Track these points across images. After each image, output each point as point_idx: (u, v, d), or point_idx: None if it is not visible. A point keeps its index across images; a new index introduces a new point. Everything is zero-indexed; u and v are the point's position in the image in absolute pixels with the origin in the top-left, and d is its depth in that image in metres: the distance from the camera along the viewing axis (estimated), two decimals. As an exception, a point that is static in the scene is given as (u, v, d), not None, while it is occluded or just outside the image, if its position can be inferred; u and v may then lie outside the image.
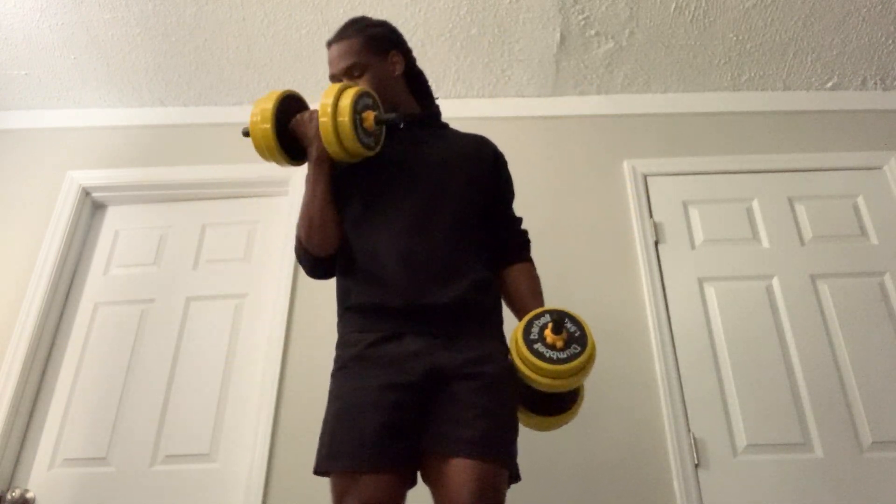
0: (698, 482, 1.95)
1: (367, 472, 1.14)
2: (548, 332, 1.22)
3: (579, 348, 1.21)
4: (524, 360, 1.22)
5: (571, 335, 1.22)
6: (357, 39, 1.47)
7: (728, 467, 1.99)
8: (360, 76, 1.45)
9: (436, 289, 1.27)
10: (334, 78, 1.48)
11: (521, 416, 1.30)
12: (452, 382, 1.21)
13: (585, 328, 1.24)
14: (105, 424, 2.16)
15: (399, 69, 1.51)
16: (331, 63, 1.48)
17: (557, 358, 1.20)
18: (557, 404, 1.30)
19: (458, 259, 1.32)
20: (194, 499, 2.03)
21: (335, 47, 1.48)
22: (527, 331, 1.24)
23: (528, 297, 1.41)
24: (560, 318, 1.22)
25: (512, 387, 1.25)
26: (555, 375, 1.20)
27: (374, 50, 1.47)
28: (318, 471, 1.20)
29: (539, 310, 1.29)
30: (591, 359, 1.21)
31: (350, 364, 1.27)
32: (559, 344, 1.20)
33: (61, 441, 2.15)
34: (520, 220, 1.55)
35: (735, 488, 1.95)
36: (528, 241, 1.53)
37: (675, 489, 1.93)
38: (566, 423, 1.32)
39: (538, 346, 1.22)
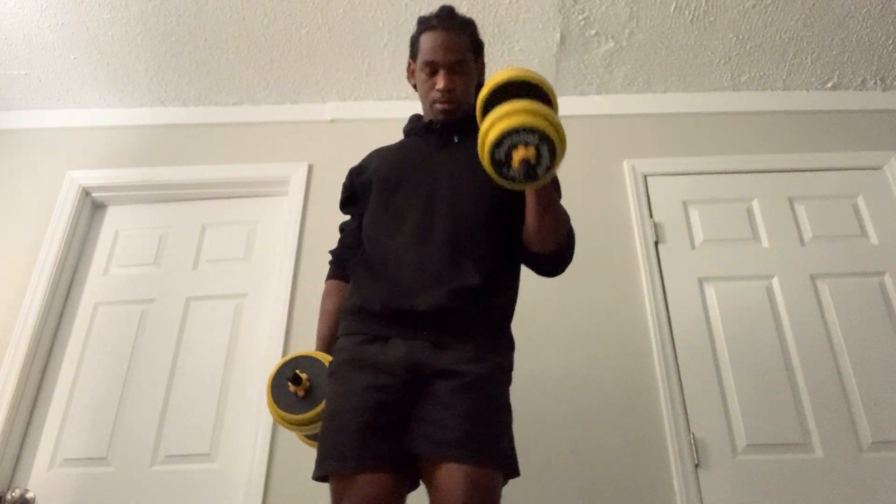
0: (698, 482, 1.95)
1: (351, 472, 1.14)
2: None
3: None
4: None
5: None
6: (466, 37, 1.44)
7: (728, 467, 1.99)
8: (459, 74, 1.42)
9: (416, 296, 1.26)
10: (432, 65, 1.41)
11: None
12: (434, 382, 1.20)
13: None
14: (105, 424, 2.16)
15: (483, 75, 1.51)
16: (436, 49, 1.40)
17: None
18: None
19: (448, 267, 1.29)
20: (194, 499, 2.03)
21: (446, 35, 1.41)
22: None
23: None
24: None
25: (498, 386, 1.25)
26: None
27: (474, 51, 1.47)
28: (314, 476, 1.21)
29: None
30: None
31: (339, 368, 1.28)
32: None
33: (61, 441, 2.15)
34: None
35: (735, 488, 1.95)
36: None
37: (675, 489, 1.93)
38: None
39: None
